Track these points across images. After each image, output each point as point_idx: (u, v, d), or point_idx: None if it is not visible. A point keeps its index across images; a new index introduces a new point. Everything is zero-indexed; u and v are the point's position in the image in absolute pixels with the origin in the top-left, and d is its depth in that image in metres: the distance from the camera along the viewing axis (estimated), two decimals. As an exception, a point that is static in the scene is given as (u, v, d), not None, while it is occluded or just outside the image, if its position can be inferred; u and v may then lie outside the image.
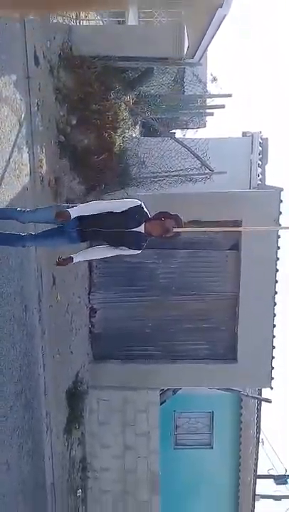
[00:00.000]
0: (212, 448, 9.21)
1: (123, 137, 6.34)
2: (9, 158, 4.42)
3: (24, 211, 3.77)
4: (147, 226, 3.59)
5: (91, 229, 3.61)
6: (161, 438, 7.41)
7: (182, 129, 9.83)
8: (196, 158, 6.73)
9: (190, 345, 7.53)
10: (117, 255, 3.81)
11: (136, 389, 7.18)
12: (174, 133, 7.33)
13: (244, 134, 8.34)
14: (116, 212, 3.60)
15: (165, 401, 8.02)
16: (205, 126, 10.46)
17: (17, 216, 3.76)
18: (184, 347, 7.52)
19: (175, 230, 3.58)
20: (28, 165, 4.86)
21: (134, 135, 7.26)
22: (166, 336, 7.46)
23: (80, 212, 3.60)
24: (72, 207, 3.66)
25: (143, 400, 7.16)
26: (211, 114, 9.27)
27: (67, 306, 6.19)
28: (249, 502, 9.57)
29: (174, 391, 8.23)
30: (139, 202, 3.65)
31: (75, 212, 3.57)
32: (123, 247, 3.68)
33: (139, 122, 8.00)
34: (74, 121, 5.86)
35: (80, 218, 3.60)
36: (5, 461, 4.17)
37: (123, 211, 3.59)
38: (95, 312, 7.29)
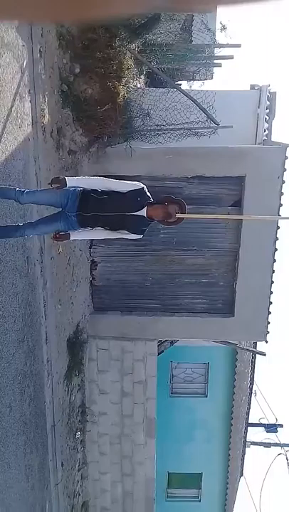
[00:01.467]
0: (206, 397, 9.58)
1: (127, 87, 6.17)
2: (11, 107, 4.34)
3: (23, 191, 3.65)
4: (149, 210, 3.50)
5: (91, 213, 3.50)
6: (158, 386, 7.70)
7: (189, 80, 9.53)
8: (201, 111, 6.57)
9: (189, 299, 7.67)
10: (117, 238, 3.72)
11: (134, 339, 7.39)
12: (180, 84, 7.12)
13: (252, 86, 8.09)
14: (117, 194, 3.49)
15: (163, 351, 8.27)
16: (212, 78, 10.11)
17: (16, 196, 3.64)
18: (183, 301, 7.66)
19: (178, 215, 3.49)
20: (30, 114, 4.77)
21: (138, 85, 7.05)
22: (165, 289, 7.59)
23: (78, 183, 3.50)
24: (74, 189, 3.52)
25: (141, 350, 7.38)
26: (219, 65, 8.94)
27: (68, 258, 6.27)
28: (240, 448, 10.08)
29: (172, 342, 8.46)
30: (142, 185, 3.55)
31: (72, 181, 3.46)
32: (124, 231, 3.60)
33: (144, 72, 7.75)
34: (77, 70, 5.69)
35: (80, 201, 3.49)
36: (8, 404, 4.38)
37: (124, 193, 3.49)
38: (96, 265, 7.38)
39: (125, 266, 7.45)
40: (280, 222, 7.12)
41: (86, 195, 3.51)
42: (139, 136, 6.53)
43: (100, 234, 3.72)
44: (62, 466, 6.48)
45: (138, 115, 6.42)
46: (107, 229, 3.61)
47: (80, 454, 7.46)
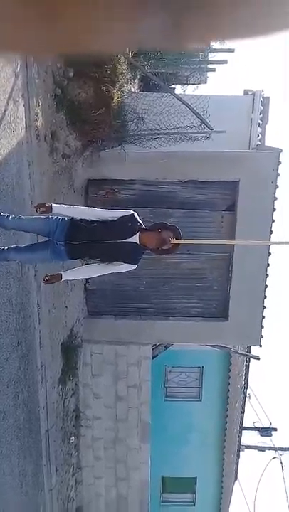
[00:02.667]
0: (201, 400, 9.57)
1: (121, 92, 6.19)
2: (4, 111, 4.34)
3: (9, 216, 3.46)
4: (142, 237, 3.31)
5: (81, 241, 3.30)
6: (152, 390, 7.69)
7: (182, 84, 9.57)
8: (195, 116, 6.60)
9: (183, 303, 7.68)
10: (110, 273, 3.50)
11: (128, 344, 7.38)
12: (174, 88, 7.15)
13: (246, 92, 8.14)
14: (107, 222, 3.32)
15: (157, 355, 8.26)
16: (206, 83, 10.17)
17: (0, 221, 3.46)
18: (177, 305, 7.67)
19: (172, 241, 3.28)
20: (24, 118, 4.77)
21: (132, 90, 7.08)
22: (159, 293, 7.59)
23: (63, 211, 3.32)
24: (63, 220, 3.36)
25: (135, 354, 7.37)
26: (213, 69, 9.00)
27: (62, 262, 6.25)
28: (234, 452, 10.07)
29: (166, 346, 8.46)
30: (132, 212, 3.38)
31: (58, 208, 3.29)
32: (117, 262, 3.36)
33: (138, 76, 7.77)
34: (71, 74, 5.70)
35: (69, 230, 3.33)
36: (1, 409, 4.36)
37: (114, 220, 3.31)
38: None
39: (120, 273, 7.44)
40: (275, 227, 7.15)
41: (75, 223, 3.34)
42: (133, 140, 6.55)
43: (92, 270, 3.48)
44: (56, 471, 6.44)
45: (132, 119, 6.44)
46: (98, 261, 3.39)
47: (74, 459, 7.42)
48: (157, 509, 9.71)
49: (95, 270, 3.46)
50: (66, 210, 3.38)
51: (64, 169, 5.90)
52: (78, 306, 7.07)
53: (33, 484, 5.55)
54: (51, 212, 3.25)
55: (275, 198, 7.09)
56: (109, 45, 0.46)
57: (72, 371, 6.92)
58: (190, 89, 7.12)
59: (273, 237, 7.17)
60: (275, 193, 7.05)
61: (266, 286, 7.40)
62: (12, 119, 4.47)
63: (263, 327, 7.53)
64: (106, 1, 0.39)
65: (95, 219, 3.35)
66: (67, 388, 6.73)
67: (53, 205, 3.26)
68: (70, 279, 3.68)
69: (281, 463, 12.39)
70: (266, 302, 7.45)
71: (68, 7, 0.40)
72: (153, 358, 7.70)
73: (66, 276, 3.41)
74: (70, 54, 0.45)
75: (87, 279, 7.34)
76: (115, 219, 3.32)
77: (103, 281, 7.46)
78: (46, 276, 3.34)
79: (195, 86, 8.79)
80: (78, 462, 7.64)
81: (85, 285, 7.33)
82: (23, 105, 4.73)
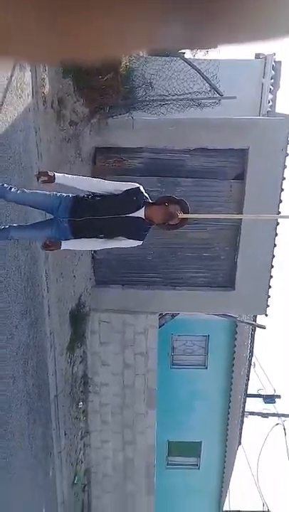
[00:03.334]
0: (206, 368, 9.73)
1: (129, 56, 6.01)
2: (11, 77, 4.24)
3: (11, 188, 3.33)
4: (148, 212, 3.17)
5: (85, 218, 3.19)
6: (159, 358, 7.81)
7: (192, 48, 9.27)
8: (205, 81, 6.43)
9: (190, 273, 7.68)
10: (113, 247, 3.36)
11: (136, 313, 7.45)
12: (184, 52, 6.92)
13: (257, 55, 7.88)
14: (111, 195, 3.20)
15: (164, 324, 8.35)
16: (216, 47, 9.81)
17: (2, 192, 3.32)
18: (185, 274, 7.67)
19: (180, 216, 3.14)
20: (31, 84, 4.67)
21: (141, 54, 6.87)
22: (167, 263, 7.59)
23: (67, 181, 3.19)
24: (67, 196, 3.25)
25: (142, 323, 7.45)
26: (224, 32, 8.66)
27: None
28: (238, 418, 10.29)
29: (173, 315, 8.53)
30: (138, 185, 3.24)
31: (61, 178, 3.15)
32: (121, 237, 3.23)
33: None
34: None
35: (73, 206, 3.22)
36: (11, 375, 4.45)
37: (119, 194, 3.19)
38: (98, 238, 7.35)
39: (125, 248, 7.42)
40: (284, 196, 7.06)
41: (79, 199, 3.25)
42: (142, 106, 6.41)
43: (94, 244, 3.36)
44: (65, 435, 6.63)
45: (140, 85, 6.28)
46: (102, 237, 3.24)
47: (82, 423, 7.62)
48: (163, 472, 10.03)
49: (96, 244, 3.35)
50: (70, 180, 3.24)
51: (71, 137, 5.81)
52: (86, 275, 7.11)
53: (43, 447, 5.72)
54: (54, 181, 3.12)
55: (285, 167, 6.97)
56: (123, 47, 0.44)
57: (81, 339, 7.02)
58: (200, 54, 6.89)
59: (282, 207, 7.09)
60: (285, 161, 6.93)
61: (273, 256, 7.37)
62: (18, 84, 4.38)
63: (269, 296, 7.54)
64: (120, 4, 0.38)
65: (99, 192, 3.23)
66: (75, 355, 6.84)
67: (56, 174, 3.14)
68: (70, 248, 3.49)
69: (284, 429, 12.67)
70: (273, 272, 7.45)
71: (81, 10, 0.38)
72: (160, 326, 7.77)
73: (66, 245, 3.26)
74: (79, 60, 0.43)
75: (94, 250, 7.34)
76: (120, 192, 3.20)
77: (111, 251, 7.46)
78: (46, 241, 3.21)
79: (205, 50, 8.51)
80: (86, 426, 7.85)
81: (92, 255, 7.34)
82: (30, 71, 4.62)
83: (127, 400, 7.81)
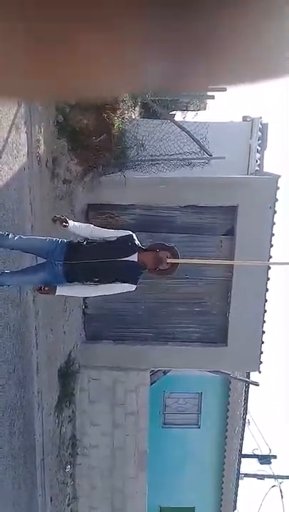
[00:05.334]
0: (199, 427, 9.42)
1: (122, 118, 6.28)
2: (7, 138, 4.38)
3: (8, 235, 3.45)
4: (141, 257, 3.36)
5: (80, 261, 3.31)
6: (150, 417, 7.56)
7: (182, 111, 9.73)
8: (194, 142, 6.68)
9: (182, 328, 7.62)
10: (106, 294, 3.46)
11: (127, 369, 7.29)
12: (174, 115, 7.24)
13: (244, 118, 8.26)
14: (107, 241, 3.38)
15: (155, 381, 8.16)
16: (205, 109, 10.34)
17: (1, 240, 3.45)
18: (176, 329, 7.61)
19: (169, 260, 3.34)
20: (26, 145, 4.82)
21: (133, 116, 7.18)
22: (158, 318, 7.54)
23: (75, 228, 3.37)
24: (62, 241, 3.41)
25: (133, 381, 7.27)
26: (212, 97, 9.15)
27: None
28: (233, 480, 9.85)
29: (165, 372, 8.36)
30: (130, 232, 3.46)
31: (72, 224, 3.34)
32: (116, 282, 3.36)
33: (139, 103, 7.90)
34: (73, 101, 5.78)
35: (68, 250, 3.36)
36: (-3, 438, 4.27)
37: (114, 240, 3.38)
38: (89, 293, 7.32)
39: (118, 294, 7.39)
40: (273, 252, 7.17)
41: (74, 244, 3.40)
42: (134, 166, 6.61)
43: (89, 290, 3.46)
44: (51, 501, 6.27)
45: (132, 145, 6.51)
46: (97, 282, 3.36)
47: (69, 488, 7.24)
48: None
49: (90, 290, 3.46)
50: (78, 227, 3.42)
51: (64, 194, 5.93)
52: (76, 331, 7.01)
53: (28, 515, 5.39)
54: (68, 225, 3.30)
55: (274, 223, 7.12)
56: (112, 88, 0.46)
57: (69, 397, 6.81)
58: (190, 116, 7.22)
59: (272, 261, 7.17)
60: (273, 218, 7.09)
61: (265, 311, 7.37)
62: (14, 145, 4.52)
63: (262, 352, 7.46)
64: (109, 46, 0.39)
65: (96, 239, 3.40)
66: (63, 415, 6.61)
67: (70, 221, 3.35)
68: (65, 294, 3.60)
69: (281, 491, 12.13)
70: (265, 327, 7.41)
71: (69, 53, 0.39)
72: (151, 384, 7.59)
73: (61, 291, 3.35)
74: (71, 99, 0.45)
75: (85, 304, 7.30)
76: (115, 239, 3.39)
77: (102, 306, 7.42)
78: (41, 287, 3.30)
79: (195, 113, 8.95)
80: (74, 491, 7.45)
81: (83, 310, 7.28)
82: (26, 132, 4.78)
83: (116, 463, 7.48)
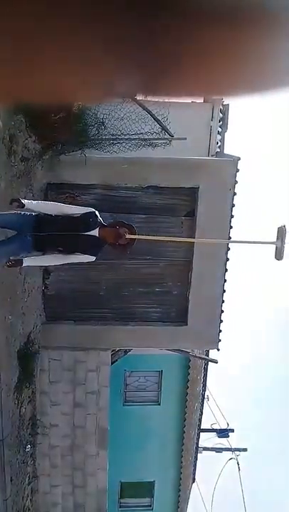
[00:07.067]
0: (160, 404, 9.61)
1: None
2: None
3: None
4: (101, 232, 3.69)
5: (46, 233, 3.63)
6: (111, 396, 7.65)
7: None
8: (156, 123, 6.63)
9: (143, 308, 7.69)
10: (69, 262, 3.83)
11: (88, 349, 7.31)
12: (136, 94, 7.14)
13: (205, 100, 8.26)
14: (71, 216, 3.68)
15: (116, 360, 8.23)
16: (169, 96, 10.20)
17: None
18: (137, 310, 7.67)
19: (127, 236, 3.67)
20: (-19, 121, 4.64)
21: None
22: (119, 298, 7.57)
23: (35, 206, 3.67)
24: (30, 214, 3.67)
25: (94, 360, 7.31)
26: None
27: (19, 267, 6.12)
28: (192, 454, 10.17)
29: (126, 351, 8.44)
30: (93, 209, 3.77)
31: (29, 203, 3.62)
32: (77, 253, 3.71)
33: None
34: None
35: (36, 222, 3.64)
36: None
37: (77, 216, 3.69)
38: (49, 274, 7.26)
39: (79, 275, 7.37)
40: (232, 233, 7.29)
41: (41, 218, 3.68)
42: (94, 145, 6.51)
43: (53, 259, 3.81)
44: (11, 481, 6.28)
45: (93, 124, 6.39)
46: (60, 251, 3.68)
47: (30, 468, 7.27)
48: (115, 514, 9.67)
49: (55, 259, 3.79)
50: (36, 205, 3.74)
51: (22, 172, 5.78)
52: (36, 312, 6.94)
53: (-13, 496, 5.38)
54: (24, 207, 3.57)
55: (233, 205, 7.23)
56: (85, 96, 0.45)
57: (30, 378, 6.77)
58: (151, 96, 7.14)
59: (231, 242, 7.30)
60: (233, 200, 7.19)
61: (224, 291, 7.53)
62: None
63: (220, 331, 7.65)
64: (82, 54, 0.38)
65: (60, 214, 3.69)
66: (23, 396, 6.58)
67: (25, 201, 3.63)
68: (31, 265, 3.96)
69: (238, 463, 12.63)
70: (224, 306, 7.58)
71: (42, 60, 0.38)
72: (112, 363, 7.66)
73: (27, 262, 3.64)
74: (44, 102, 0.44)
75: (45, 285, 7.23)
76: (79, 214, 3.69)
77: (62, 286, 7.36)
78: (8, 260, 3.60)
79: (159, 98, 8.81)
80: (34, 471, 7.49)
81: (43, 290, 7.21)
82: (-20, 107, 4.60)
83: (77, 441, 7.56)
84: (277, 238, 4.78)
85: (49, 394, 7.30)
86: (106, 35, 0.37)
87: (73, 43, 0.38)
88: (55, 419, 7.40)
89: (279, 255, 4.79)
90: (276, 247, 4.80)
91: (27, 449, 6.83)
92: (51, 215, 3.67)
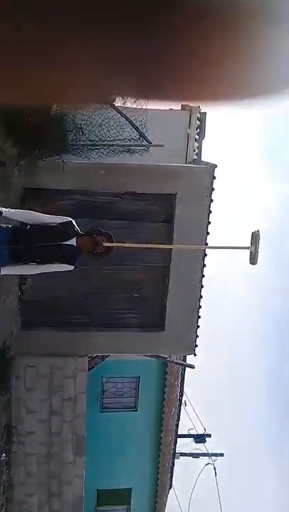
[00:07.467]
0: (137, 410, 9.60)
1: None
2: None
3: None
4: (79, 241, 3.71)
5: (21, 245, 3.62)
6: (88, 402, 7.60)
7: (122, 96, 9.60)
8: (134, 129, 6.67)
9: (120, 314, 7.68)
10: (47, 272, 3.81)
11: (64, 356, 7.25)
12: (114, 100, 7.16)
13: (183, 107, 8.35)
14: (47, 226, 3.68)
15: (93, 367, 8.19)
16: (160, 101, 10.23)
17: None
18: (115, 315, 7.65)
19: (105, 244, 3.70)
20: None
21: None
22: (97, 304, 7.54)
23: (13, 215, 3.63)
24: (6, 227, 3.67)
25: (71, 367, 7.26)
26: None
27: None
28: (169, 460, 10.17)
29: (103, 357, 8.41)
30: (70, 219, 3.78)
31: (7, 212, 3.60)
32: (56, 262, 3.72)
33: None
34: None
35: (12, 234, 3.63)
36: None
37: (54, 225, 3.68)
38: (26, 280, 7.18)
39: (56, 280, 7.30)
40: (209, 239, 7.37)
41: (17, 229, 3.68)
42: (72, 150, 6.50)
43: (31, 269, 3.82)
44: (-15, 490, 6.17)
45: (71, 129, 6.38)
46: (38, 262, 3.69)
47: (5, 476, 7.15)
48: (92, 523, 9.58)
49: (33, 269, 3.80)
50: (13, 213, 3.69)
51: (-1, 177, 5.73)
52: (12, 318, 6.86)
53: None
54: (1, 214, 3.56)
55: (210, 212, 7.31)
56: (78, 98, 0.45)
57: (5, 385, 6.68)
58: (129, 103, 7.18)
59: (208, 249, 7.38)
60: (210, 206, 7.27)
61: (201, 297, 7.59)
62: None
63: (197, 336, 7.70)
64: (75, 57, 0.38)
65: (33, 223, 3.67)
66: (-2, 403, 6.49)
67: (2, 208, 3.60)
68: (9, 273, 3.93)
69: (214, 468, 12.70)
70: (201, 312, 7.64)
71: (36, 64, 0.38)
72: (89, 369, 7.62)
73: (4, 271, 3.65)
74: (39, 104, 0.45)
75: (21, 291, 7.15)
76: (55, 224, 3.69)
77: (38, 293, 7.29)
78: None
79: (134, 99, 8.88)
80: (9, 480, 7.37)
81: (19, 296, 7.13)
82: None
83: (53, 449, 7.47)
84: (252, 243, 4.87)
85: (25, 401, 7.20)
86: (105, 37, 0.37)
87: (72, 45, 0.38)
88: (31, 427, 7.30)
89: (253, 259, 4.87)
90: (250, 252, 4.88)
91: (2, 458, 6.73)
92: (27, 226, 3.65)
